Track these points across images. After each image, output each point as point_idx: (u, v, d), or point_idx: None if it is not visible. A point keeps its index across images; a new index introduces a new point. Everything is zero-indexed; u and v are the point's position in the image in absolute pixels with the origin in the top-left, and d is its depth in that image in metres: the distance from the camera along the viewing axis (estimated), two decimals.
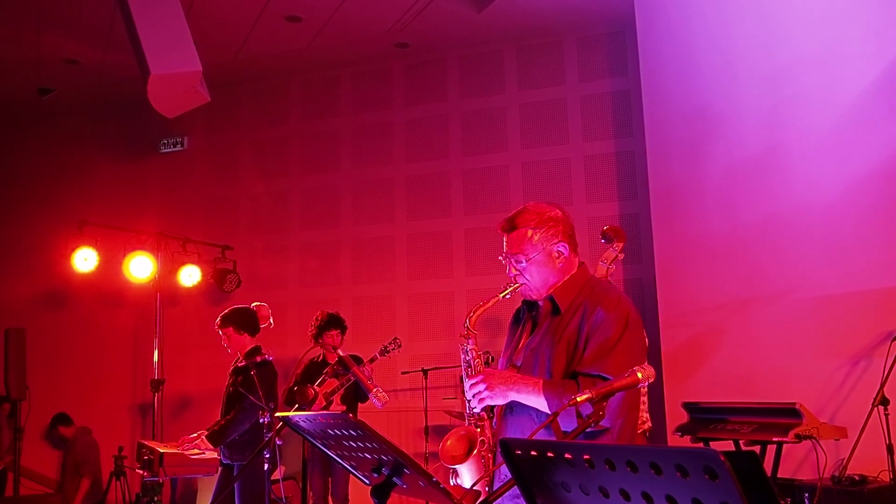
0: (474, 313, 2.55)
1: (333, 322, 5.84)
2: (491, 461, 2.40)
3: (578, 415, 1.87)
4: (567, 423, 2.10)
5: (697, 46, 6.36)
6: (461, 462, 2.37)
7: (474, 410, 2.43)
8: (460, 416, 6.31)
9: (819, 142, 5.63)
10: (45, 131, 9.40)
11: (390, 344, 5.76)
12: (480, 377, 2.40)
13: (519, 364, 2.48)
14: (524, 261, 2.48)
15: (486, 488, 2.35)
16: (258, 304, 5.21)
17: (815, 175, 5.61)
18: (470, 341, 2.53)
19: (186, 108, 6.57)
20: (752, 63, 6.02)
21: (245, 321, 5.06)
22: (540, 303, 2.53)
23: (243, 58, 7.95)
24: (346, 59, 8.24)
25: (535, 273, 2.49)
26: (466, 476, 2.39)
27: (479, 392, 2.37)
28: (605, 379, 2.23)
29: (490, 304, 2.54)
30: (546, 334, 2.45)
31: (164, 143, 8.99)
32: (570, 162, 7.60)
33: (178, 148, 8.97)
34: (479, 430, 2.42)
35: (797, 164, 5.72)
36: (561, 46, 7.77)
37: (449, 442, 2.43)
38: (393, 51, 8.00)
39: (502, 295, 2.53)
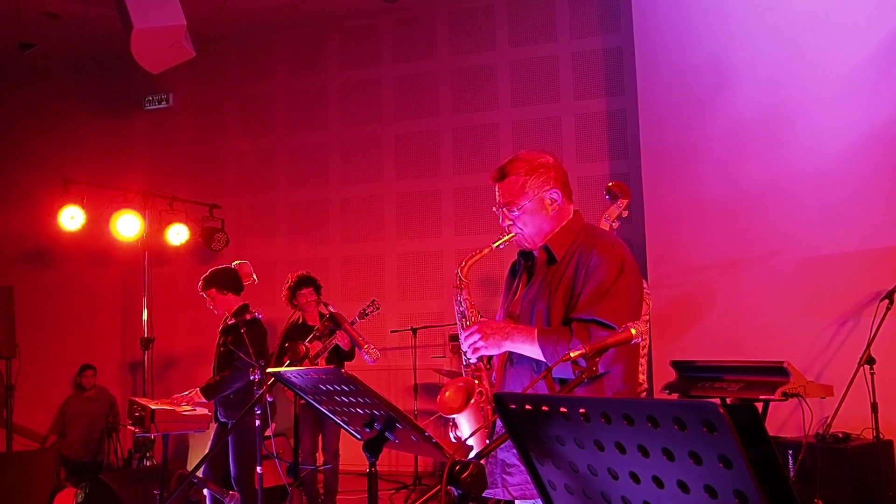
0: (467, 263, 2.50)
1: (304, 281, 5.77)
2: (490, 412, 2.38)
3: (574, 363, 1.87)
4: (559, 370, 2.11)
5: (694, 2, 6.27)
6: (459, 412, 2.36)
7: (470, 361, 2.39)
8: (449, 374, 6.34)
9: (816, 104, 5.60)
10: (28, 88, 9.23)
11: (369, 307, 5.72)
12: (475, 327, 2.36)
13: (517, 314, 2.45)
14: (516, 209, 2.43)
15: (487, 440, 2.34)
16: (239, 262, 5.19)
17: (811, 137, 5.59)
18: (463, 292, 2.49)
19: (171, 64, 6.45)
20: (750, 23, 5.94)
21: (227, 280, 5.04)
22: (535, 253, 2.49)
23: (228, 12, 7.78)
24: (332, 14, 8.09)
25: (528, 221, 2.44)
26: (466, 428, 2.39)
27: (474, 342, 2.34)
28: (599, 323, 2.22)
29: (483, 253, 2.49)
30: (543, 284, 2.41)
31: (148, 101, 8.86)
32: (560, 120, 7.54)
33: (164, 105, 8.84)
34: (476, 381, 2.40)
35: (793, 125, 5.69)
36: (553, 1, 7.66)
37: (448, 393, 2.41)
38: (381, 6, 7.85)
39: (496, 244, 2.48)
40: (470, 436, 2.30)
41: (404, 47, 8.15)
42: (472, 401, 2.35)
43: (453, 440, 2.45)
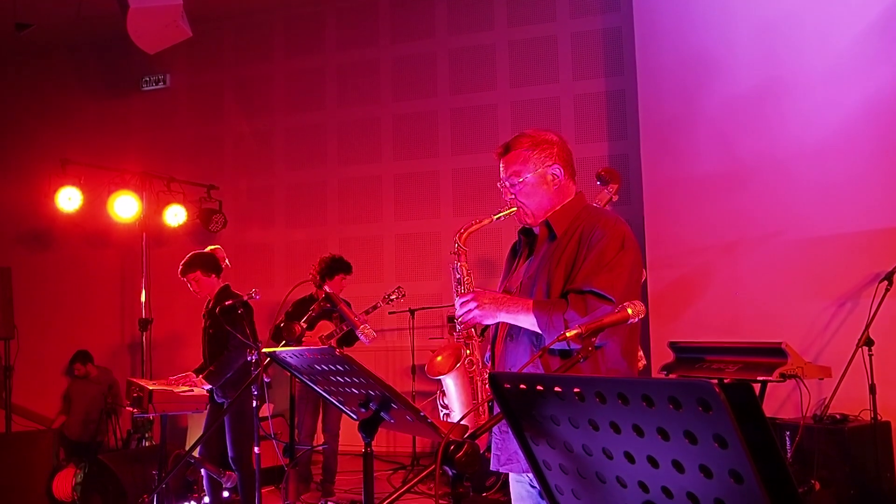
0: (466, 231, 2.51)
1: (343, 267, 5.76)
2: (479, 382, 2.39)
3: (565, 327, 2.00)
4: (558, 344, 2.11)
5: None
6: (447, 373, 2.37)
7: (459, 328, 2.40)
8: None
9: (813, 84, 5.57)
10: (25, 68, 9.18)
11: (393, 293, 5.72)
12: (471, 295, 2.37)
13: (514, 290, 2.45)
14: (518, 182, 2.45)
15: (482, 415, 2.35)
16: (213, 247, 5.14)
17: (809, 117, 5.57)
18: (461, 258, 2.50)
19: (168, 44, 6.43)
20: (748, 2, 5.90)
21: (210, 263, 4.96)
22: (536, 229, 2.50)
23: None
24: None
25: (529, 194, 2.45)
26: (453, 393, 2.39)
27: (469, 310, 2.34)
28: (596, 294, 2.22)
29: (483, 223, 2.50)
30: (543, 260, 2.41)
31: (146, 81, 8.81)
32: (559, 101, 7.50)
33: (161, 86, 8.80)
34: (468, 350, 2.40)
35: (791, 105, 5.66)
36: None
37: (439, 358, 2.43)
38: None
39: (496, 216, 2.49)
40: (463, 417, 2.30)
41: (402, 27, 8.09)
42: (460, 364, 2.36)
43: (440, 407, 2.45)
